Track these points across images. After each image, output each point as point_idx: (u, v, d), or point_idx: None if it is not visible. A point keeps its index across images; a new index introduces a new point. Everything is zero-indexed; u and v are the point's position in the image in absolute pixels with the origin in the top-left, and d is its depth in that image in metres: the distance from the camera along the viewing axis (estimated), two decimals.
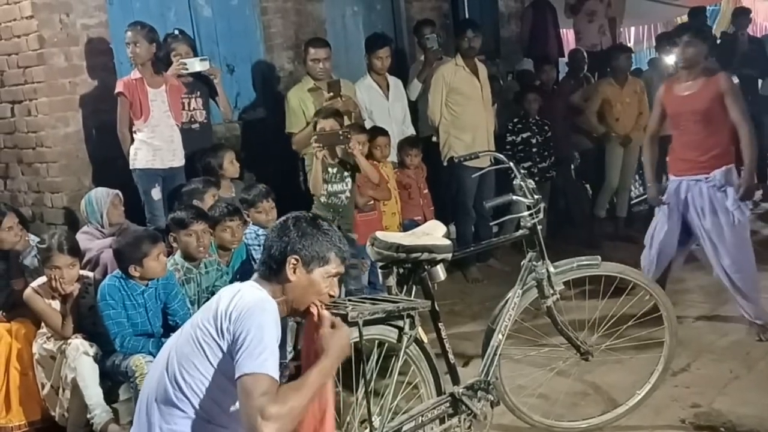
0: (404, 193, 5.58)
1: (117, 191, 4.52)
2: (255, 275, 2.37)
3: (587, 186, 7.30)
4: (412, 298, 2.92)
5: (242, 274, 4.01)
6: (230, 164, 4.86)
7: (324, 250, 2.33)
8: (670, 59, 4.52)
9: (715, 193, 4.36)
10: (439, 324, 3.03)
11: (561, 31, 8.57)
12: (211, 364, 2.19)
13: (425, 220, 5.03)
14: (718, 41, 8.69)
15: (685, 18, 10.62)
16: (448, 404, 2.98)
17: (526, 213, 3.28)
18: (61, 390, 3.75)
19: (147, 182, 4.74)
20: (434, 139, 6.01)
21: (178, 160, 4.85)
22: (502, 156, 3.59)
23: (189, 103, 5.02)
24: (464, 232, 5.98)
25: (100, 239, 4.36)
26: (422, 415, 2.87)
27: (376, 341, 2.77)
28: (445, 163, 5.88)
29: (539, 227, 3.31)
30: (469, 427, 3.02)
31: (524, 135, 6.49)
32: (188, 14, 5.63)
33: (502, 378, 3.31)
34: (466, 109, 5.81)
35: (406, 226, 5.19)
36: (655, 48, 4.98)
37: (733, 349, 4.23)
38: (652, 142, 4.74)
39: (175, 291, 3.81)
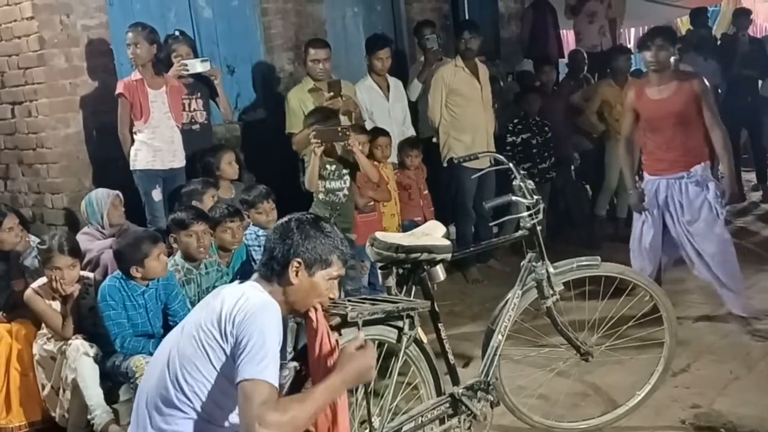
0: (404, 193, 5.58)
1: (117, 192, 4.52)
2: (255, 275, 2.37)
3: (587, 187, 7.30)
4: (411, 298, 2.92)
5: (242, 274, 3.98)
6: (228, 165, 4.85)
7: (326, 253, 2.33)
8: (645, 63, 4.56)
9: (695, 188, 4.43)
10: (439, 324, 3.03)
11: (561, 32, 8.58)
12: (214, 367, 2.19)
13: (425, 221, 5.02)
14: (719, 42, 8.70)
15: (685, 19, 10.65)
16: (447, 405, 2.98)
17: (525, 214, 3.28)
18: (61, 391, 3.75)
19: (147, 183, 4.74)
20: (434, 140, 6.01)
21: (178, 161, 4.86)
22: (501, 157, 3.58)
23: (189, 104, 5.02)
24: (464, 233, 5.98)
25: (101, 240, 4.37)
26: (422, 416, 2.87)
27: (376, 342, 2.75)
28: (444, 164, 5.89)
29: (539, 228, 3.31)
30: (469, 428, 3.03)
31: (524, 136, 6.50)
32: (189, 15, 5.63)
33: (502, 378, 3.31)
34: (465, 110, 5.81)
35: (406, 226, 5.19)
36: (638, 51, 4.98)
37: (733, 349, 4.23)
38: (627, 146, 4.76)
39: (175, 291, 3.82)
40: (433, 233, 3.04)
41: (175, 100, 4.81)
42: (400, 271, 2.95)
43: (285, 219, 2.41)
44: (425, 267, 2.96)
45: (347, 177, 4.74)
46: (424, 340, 2.95)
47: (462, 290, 5.68)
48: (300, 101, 5.22)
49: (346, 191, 4.74)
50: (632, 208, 4.80)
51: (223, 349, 2.17)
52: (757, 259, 5.82)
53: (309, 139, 4.50)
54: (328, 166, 4.68)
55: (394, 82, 5.85)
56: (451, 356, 3.07)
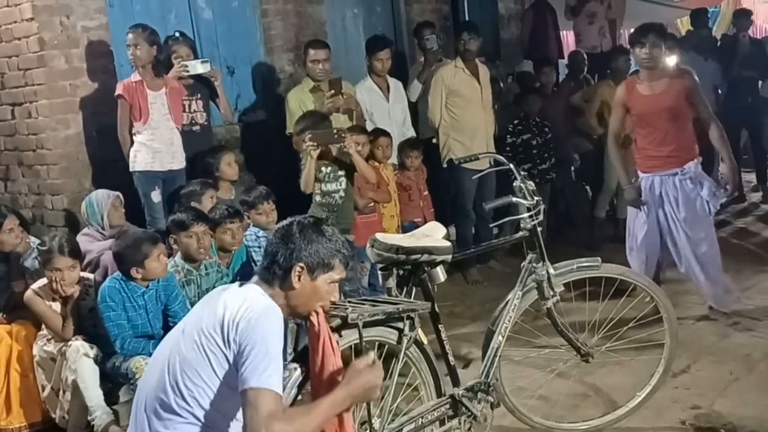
0: (404, 194, 5.57)
1: (117, 193, 4.52)
2: (255, 277, 2.36)
3: (587, 188, 7.30)
4: (412, 299, 2.92)
5: (242, 275, 4.01)
6: (227, 166, 4.85)
7: (328, 257, 2.34)
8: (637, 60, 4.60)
9: (689, 184, 4.46)
10: (439, 325, 3.03)
11: (561, 32, 8.57)
12: (216, 374, 2.18)
13: (425, 222, 5.03)
14: (719, 43, 8.70)
15: (686, 19, 10.64)
16: (448, 406, 2.98)
17: (526, 215, 3.29)
18: (61, 392, 3.75)
19: (147, 184, 4.74)
20: (434, 140, 6.01)
21: (177, 162, 4.85)
22: (501, 157, 3.59)
23: (190, 105, 5.02)
24: (464, 234, 5.98)
25: (101, 241, 4.37)
26: (422, 417, 2.87)
27: (376, 343, 2.77)
28: (444, 165, 5.89)
29: (539, 229, 3.31)
30: (469, 429, 3.03)
31: (524, 137, 6.49)
32: (189, 16, 5.62)
33: (503, 379, 3.31)
34: (465, 111, 5.81)
35: (406, 227, 5.19)
36: (629, 48, 5.01)
37: (733, 350, 4.23)
38: (617, 143, 4.79)
39: (175, 293, 3.82)
40: (434, 234, 3.04)
41: (175, 101, 4.81)
42: (401, 272, 2.95)
43: (286, 222, 2.40)
44: (425, 268, 2.96)
45: (343, 179, 4.73)
46: (425, 341, 2.95)
47: (462, 291, 5.68)
48: (300, 102, 5.22)
49: (342, 193, 4.73)
50: (630, 204, 4.77)
51: (226, 356, 2.17)
52: (757, 259, 5.82)
53: (304, 141, 4.48)
54: (323, 169, 4.66)
55: (394, 83, 5.85)
56: (451, 357, 3.07)
